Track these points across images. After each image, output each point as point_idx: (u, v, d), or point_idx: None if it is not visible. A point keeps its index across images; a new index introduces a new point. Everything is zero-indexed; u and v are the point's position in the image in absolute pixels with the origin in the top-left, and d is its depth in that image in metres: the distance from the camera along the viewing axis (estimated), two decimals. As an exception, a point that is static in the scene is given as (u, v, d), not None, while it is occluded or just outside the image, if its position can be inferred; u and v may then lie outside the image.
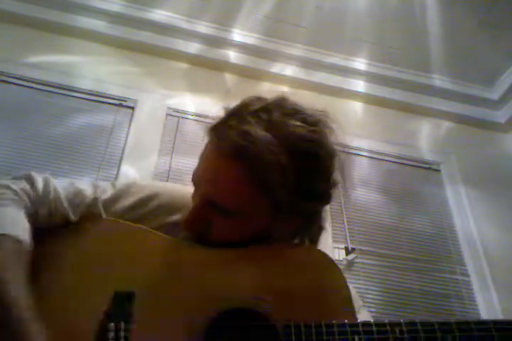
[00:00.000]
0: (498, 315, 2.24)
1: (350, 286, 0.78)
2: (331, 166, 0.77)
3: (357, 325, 0.68)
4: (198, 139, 2.47)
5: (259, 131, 0.71)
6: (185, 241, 0.79)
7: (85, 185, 0.82)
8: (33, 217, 0.75)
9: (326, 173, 0.77)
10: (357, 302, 0.80)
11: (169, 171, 2.25)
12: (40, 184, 0.77)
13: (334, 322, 0.68)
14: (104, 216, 0.80)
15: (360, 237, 2.37)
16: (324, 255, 0.80)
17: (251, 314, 0.70)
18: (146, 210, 0.82)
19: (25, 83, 2.36)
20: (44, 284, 0.71)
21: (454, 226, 2.57)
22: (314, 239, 0.89)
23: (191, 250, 0.77)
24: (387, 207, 2.54)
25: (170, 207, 0.84)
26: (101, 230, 0.80)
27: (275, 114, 0.74)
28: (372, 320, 0.70)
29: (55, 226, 0.78)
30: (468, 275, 2.39)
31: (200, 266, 0.75)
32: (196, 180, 0.78)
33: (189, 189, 0.82)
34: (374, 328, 0.67)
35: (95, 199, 0.80)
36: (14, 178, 0.78)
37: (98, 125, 2.36)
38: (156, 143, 2.34)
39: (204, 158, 0.78)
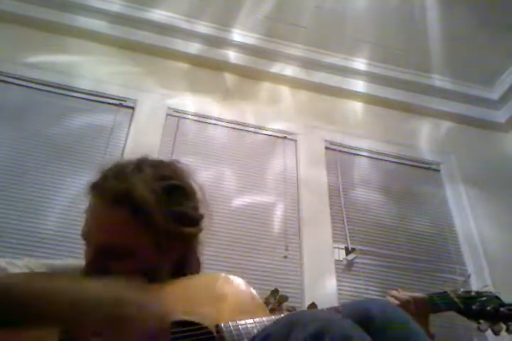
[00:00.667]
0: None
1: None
2: (195, 198, 0.94)
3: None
4: (198, 139, 2.47)
5: (133, 176, 0.87)
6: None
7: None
8: None
9: (193, 203, 0.93)
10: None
11: (169, 171, 2.25)
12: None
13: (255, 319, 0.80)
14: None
15: (360, 237, 2.37)
16: (218, 274, 0.95)
17: (187, 324, 0.79)
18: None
19: (24, 83, 2.36)
20: None
21: (453, 226, 2.57)
22: (194, 269, 1.00)
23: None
24: (387, 207, 2.54)
25: (65, 268, 0.94)
26: None
27: (143, 165, 0.92)
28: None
29: None
30: (468, 275, 2.39)
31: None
32: (86, 234, 0.89)
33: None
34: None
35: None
36: None
37: (98, 125, 2.36)
38: (156, 143, 2.34)
39: (89, 213, 0.89)
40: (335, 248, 2.28)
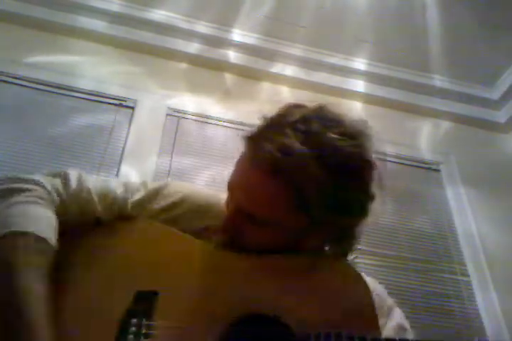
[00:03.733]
0: (498, 315, 2.24)
1: (379, 286, 0.81)
2: (369, 180, 0.77)
3: (378, 340, 0.67)
4: (198, 139, 2.47)
5: (296, 145, 0.69)
6: (217, 246, 0.79)
7: (117, 185, 0.82)
8: (62, 216, 0.74)
9: (364, 188, 0.76)
10: (386, 303, 0.81)
11: (169, 171, 2.25)
12: (73, 182, 0.77)
13: (355, 335, 0.65)
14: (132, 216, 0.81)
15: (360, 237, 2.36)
16: (349, 266, 0.81)
17: (272, 321, 0.69)
18: (178, 213, 0.83)
19: (25, 83, 2.36)
20: (70, 282, 0.70)
21: (454, 226, 2.57)
22: (346, 251, 0.87)
23: (221, 256, 0.77)
24: (387, 207, 2.53)
25: (202, 211, 0.84)
26: (133, 230, 0.80)
27: (314, 125, 0.72)
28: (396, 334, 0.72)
29: (86, 225, 0.78)
30: (468, 275, 2.39)
31: (227, 273, 0.75)
32: (231, 186, 0.79)
33: (221, 196, 0.83)
34: None
35: (125, 200, 0.80)
36: (48, 175, 0.78)
37: (98, 125, 2.36)
38: (156, 143, 2.34)
39: (240, 166, 0.78)
40: (335, 248, 2.28)
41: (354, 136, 0.74)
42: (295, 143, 0.69)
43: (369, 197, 0.77)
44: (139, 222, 0.81)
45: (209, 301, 0.71)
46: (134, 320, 0.66)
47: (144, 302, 0.68)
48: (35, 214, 0.70)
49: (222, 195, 0.83)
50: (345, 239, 0.84)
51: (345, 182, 0.72)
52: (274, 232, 0.76)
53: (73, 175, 0.79)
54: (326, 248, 0.86)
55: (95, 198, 0.78)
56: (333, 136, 0.71)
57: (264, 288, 0.72)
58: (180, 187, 0.86)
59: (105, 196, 0.79)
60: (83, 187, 0.77)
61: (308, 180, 0.69)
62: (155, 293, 0.70)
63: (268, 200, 0.73)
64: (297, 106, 0.77)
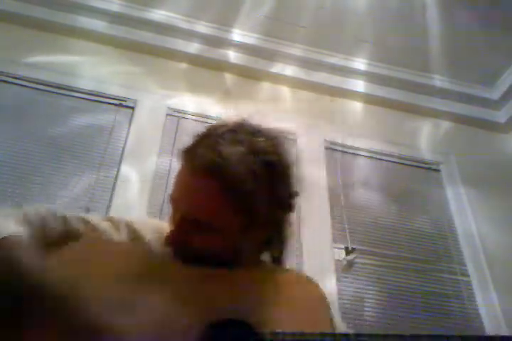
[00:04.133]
0: (498, 315, 2.24)
1: (333, 308, 0.85)
2: (292, 176, 0.86)
3: (348, 335, 0.70)
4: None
5: (228, 148, 0.78)
6: (168, 257, 0.81)
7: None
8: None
9: (288, 182, 0.86)
10: (337, 317, 0.87)
11: (169, 171, 2.25)
12: (30, 210, 0.80)
13: (317, 332, 0.69)
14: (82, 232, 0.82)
15: (360, 237, 2.37)
16: (300, 275, 0.88)
17: (241, 325, 0.72)
18: (125, 234, 0.86)
19: (25, 83, 2.36)
20: None
21: (454, 226, 2.57)
22: (280, 255, 0.92)
23: (181, 267, 0.79)
24: (387, 207, 2.54)
25: (147, 228, 0.89)
26: (85, 247, 0.80)
27: (239, 134, 0.82)
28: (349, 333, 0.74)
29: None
30: (468, 276, 2.39)
31: (189, 281, 0.77)
32: (174, 198, 0.83)
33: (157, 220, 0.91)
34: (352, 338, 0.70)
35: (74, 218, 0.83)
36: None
37: (98, 125, 2.36)
38: (156, 143, 2.34)
39: (179, 179, 0.83)
40: (335, 248, 2.28)
41: (274, 139, 0.85)
42: (227, 148, 0.78)
43: (293, 193, 0.87)
44: (90, 239, 0.82)
45: (178, 311, 0.73)
46: None
47: None
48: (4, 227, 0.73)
49: (162, 222, 0.90)
50: (278, 238, 0.90)
51: (273, 178, 0.80)
52: (220, 237, 0.80)
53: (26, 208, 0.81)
54: (265, 254, 0.91)
55: (51, 219, 0.80)
56: (257, 139, 0.82)
57: (225, 299, 0.76)
58: (121, 217, 0.91)
59: (58, 217, 0.82)
60: (41, 212, 0.80)
61: (242, 178, 0.76)
62: None
63: (209, 202, 0.78)
64: (221, 124, 0.87)
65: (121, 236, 0.85)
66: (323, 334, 0.68)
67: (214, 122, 0.90)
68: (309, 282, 0.85)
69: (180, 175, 0.83)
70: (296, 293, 0.81)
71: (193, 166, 0.80)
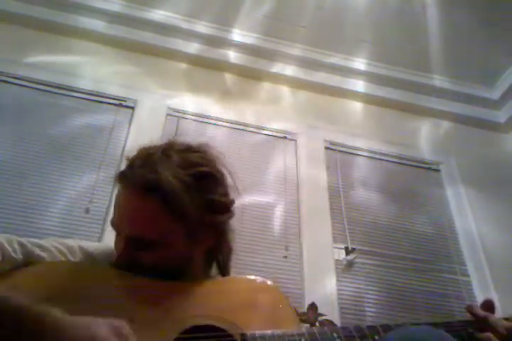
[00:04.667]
0: (498, 315, 2.24)
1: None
2: (225, 184, 0.92)
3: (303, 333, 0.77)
4: (198, 139, 2.47)
5: (161, 165, 0.84)
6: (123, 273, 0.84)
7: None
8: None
9: (223, 190, 0.91)
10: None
11: (169, 171, 2.25)
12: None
13: (283, 331, 0.77)
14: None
15: (360, 237, 2.37)
16: (260, 281, 0.92)
17: (212, 329, 0.78)
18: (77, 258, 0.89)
19: (25, 83, 2.36)
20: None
21: (454, 226, 2.57)
22: (226, 262, 0.97)
23: (140, 280, 0.83)
24: (387, 207, 2.54)
25: (101, 251, 0.92)
26: (45, 271, 0.82)
27: (170, 151, 0.89)
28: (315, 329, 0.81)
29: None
30: (468, 275, 2.39)
31: (153, 293, 0.82)
32: (116, 224, 0.87)
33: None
34: (317, 334, 0.77)
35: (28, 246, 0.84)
36: None
37: (98, 125, 2.36)
38: (156, 143, 2.34)
39: (119, 203, 0.87)
40: (335, 248, 2.28)
41: (203, 152, 0.93)
42: (160, 164, 0.84)
43: (229, 200, 0.92)
44: (48, 264, 0.84)
45: (153, 320, 0.77)
46: None
47: None
48: None
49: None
50: (222, 244, 0.95)
51: (205, 185, 0.87)
52: (165, 251, 0.84)
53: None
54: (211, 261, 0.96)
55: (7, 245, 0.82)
56: (187, 154, 0.89)
57: (196, 304, 0.82)
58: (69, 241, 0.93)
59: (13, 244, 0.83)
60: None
61: (179, 188, 0.82)
62: None
63: (149, 216, 0.83)
64: (151, 146, 0.93)
65: (75, 260, 0.88)
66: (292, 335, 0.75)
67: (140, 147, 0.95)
68: (267, 286, 0.90)
69: (119, 198, 0.87)
70: (256, 298, 0.86)
71: (129, 187, 0.84)
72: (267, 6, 2.73)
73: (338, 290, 2.14)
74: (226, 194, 0.92)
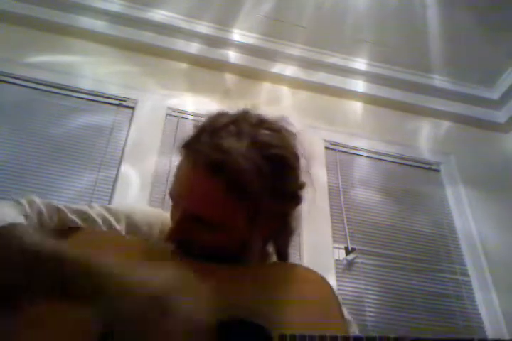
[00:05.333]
0: (498, 315, 2.24)
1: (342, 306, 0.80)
2: (298, 168, 0.83)
3: (348, 338, 0.68)
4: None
5: (231, 142, 0.75)
6: (169, 254, 0.79)
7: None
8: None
9: (295, 175, 0.82)
10: (347, 317, 0.82)
11: (169, 171, 2.25)
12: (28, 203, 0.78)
13: (328, 335, 0.66)
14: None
15: (360, 237, 2.37)
16: (310, 271, 0.83)
17: (249, 325, 0.70)
18: (127, 227, 0.85)
19: (25, 83, 2.36)
20: None
21: (453, 226, 2.57)
22: (285, 249, 0.90)
23: (189, 263, 0.76)
24: (387, 207, 2.54)
25: (148, 223, 0.86)
26: (85, 239, 0.78)
27: (242, 125, 0.79)
28: (363, 335, 0.70)
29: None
30: (468, 275, 2.39)
31: (197, 277, 0.74)
32: (175, 196, 0.80)
33: (161, 211, 0.88)
34: None
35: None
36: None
37: (98, 125, 2.36)
38: (156, 143, 2.34)
39: (180, 175, 0.80)
40: (335, 248, 2.28)
41: (278, 130, 0.83)
42: (229, 141, 0.75)
43: (300, 185, 0.83)
44: (87, 232, 0.80)
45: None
46: None
47: None
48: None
49: (160, 211, 0.88)
50: (286, 233, 0.88)
51: (278, 172, 0.77)
52: (224, 234, 0.78)
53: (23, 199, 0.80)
54: (270, 249, 0.89)
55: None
56: (260, 131, 0.80)
57: (238, 294, 0.74)
58: (119, 207, 0.89)
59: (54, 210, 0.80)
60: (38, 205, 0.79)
61: (246, 175, 0.74)
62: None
63: (212, 198, 0.76)
64: (222, 113, 0.85)
65: (119, 229, 0.83)
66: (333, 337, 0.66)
67: (212, 113, 0.87)
68: (319, 279, 0.81)
69: (181, 171, 0.80)
70: (307, 291, 0.78)
71: (194, 162, 0.76)
72: (267, 6, 2.73)
73: (338, 290, 2.14)
74: (297, 179, 0.82)
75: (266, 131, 0.80)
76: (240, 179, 0.74)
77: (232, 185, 0.74)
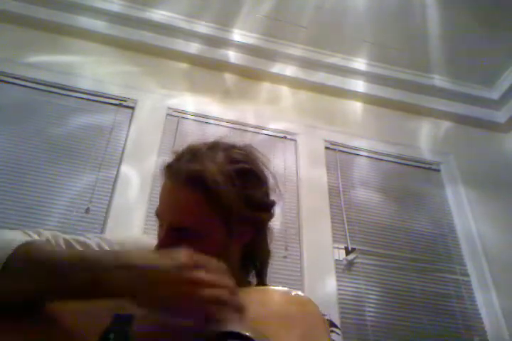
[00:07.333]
0: (498, 315, 2.24)
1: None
2: (266, 181, 0.94)
3: None
4: (198, 139, 2.47)
5: (206, 160, 0.87)
6: None
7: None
8: None
9: (264, 187, 0.93)
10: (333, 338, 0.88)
11: (169, 171, 2.25)
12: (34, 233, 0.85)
13: None
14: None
15: (360, 237, 2.37)
16: (297, 293, 0.87)
17: (241, 337, 0.72)
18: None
19: (25, 83, 2.36)
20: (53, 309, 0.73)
21: (453, 226, 2.57)
22: (262, 268, 0.99)
23: None
24: (387, 207, 2.54)
25: (137, 249, 0.93)
26: None
27: (217, 148, 0.92)
28: None
29: None
30: (468, 275, 2.40)
31: None
32: (159, 214, 0.90)
33: (152, 238, 0.95)
34: None
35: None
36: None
37: (98, 125, 2.36)
38: (156, 143, 2.34)
39: (164, 193, 0.90)
40: (335, 248, 2.28)
41: (248, 152, 0.95)
42: (204, 160, 0.87)
43: (269, 199, 0.94)
44: None
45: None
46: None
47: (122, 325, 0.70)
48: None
49: (155, 240, 0.94)
50: (260, 244, 0.95)
51: (247, 181, 0.88)
52: (204, 242, 0.85)
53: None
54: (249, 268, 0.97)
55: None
56: (233, 151, 0.92)
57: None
58: (111, 238, 0.97)
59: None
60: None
61: (219, 181, 0.85)
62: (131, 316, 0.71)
63: (191, 206, 0.85)
64: (200, 142, 0.96)
65: None
66: None
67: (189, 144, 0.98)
68: (303, 300, 0.85)
69: (165, 190, 0.90)
70: (292, 312, 0.82)
71: (175, 179, 0.86)
72: (267, 6, 2.73)
73: (338, 290, 2.14)
74: (267, 194, 0.93)
75: (237, 151, 0.93)
76: (216, 188, 0.84)
77: (209, 193, 0.84)
